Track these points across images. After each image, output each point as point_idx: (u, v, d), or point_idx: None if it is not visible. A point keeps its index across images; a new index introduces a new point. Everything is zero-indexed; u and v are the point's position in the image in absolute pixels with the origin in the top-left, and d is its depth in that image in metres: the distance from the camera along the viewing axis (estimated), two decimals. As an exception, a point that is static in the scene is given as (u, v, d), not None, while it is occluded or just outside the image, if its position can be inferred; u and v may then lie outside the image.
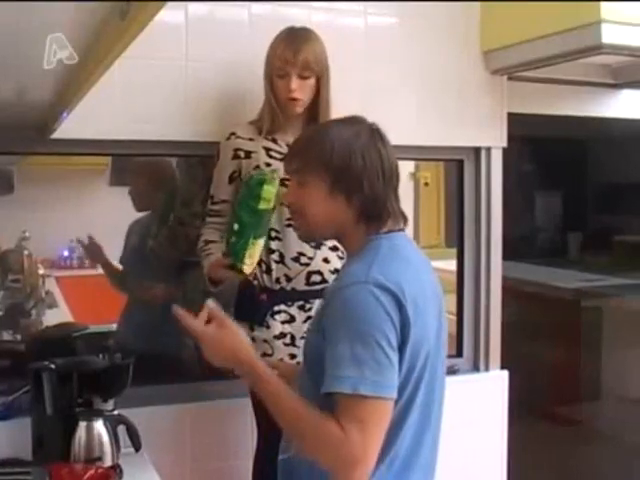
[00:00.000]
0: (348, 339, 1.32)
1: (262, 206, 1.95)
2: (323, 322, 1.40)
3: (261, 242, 2.00)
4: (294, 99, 2.07)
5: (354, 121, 1.53)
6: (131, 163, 2.93)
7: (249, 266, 1.98)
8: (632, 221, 4.06)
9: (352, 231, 1.49)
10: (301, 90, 2.07)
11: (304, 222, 1.53)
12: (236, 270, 1.98)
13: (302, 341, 2.07)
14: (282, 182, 1.97)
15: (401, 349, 1.36)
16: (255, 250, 1.98)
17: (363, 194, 1.46)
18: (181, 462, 2.27)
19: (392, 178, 1.50)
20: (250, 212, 1.95)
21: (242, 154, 2.10)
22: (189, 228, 2.55)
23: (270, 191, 1.94)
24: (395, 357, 1.35)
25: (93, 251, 2.95)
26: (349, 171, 1.45)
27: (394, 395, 1.35)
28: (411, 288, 1.38)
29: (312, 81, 2.09)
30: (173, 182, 2.78)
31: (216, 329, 1.43)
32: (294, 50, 2.05)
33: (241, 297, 2.13)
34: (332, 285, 1.46)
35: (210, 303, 1.46)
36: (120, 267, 2.84)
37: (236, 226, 1.97)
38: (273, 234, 2.07)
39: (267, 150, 2.10)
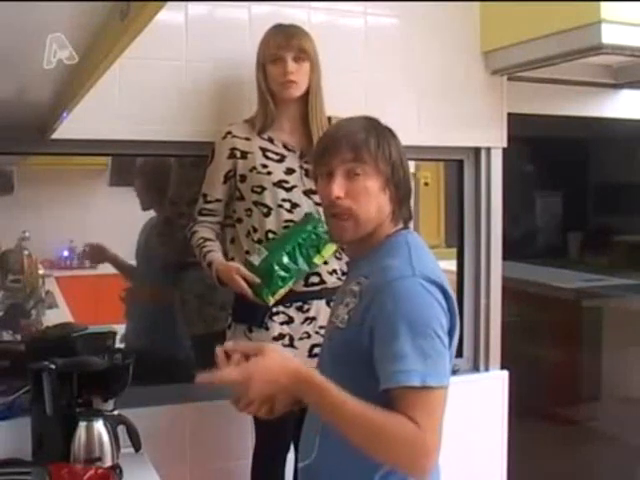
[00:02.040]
0: (408, 332, 1.31)
1: (317, 261, 2.02)
2: (370, 318, 1.36)
3: (291, 286, 2.03)
4: (290, 81, 2.06)
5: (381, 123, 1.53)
6: (135, 161, 2.94)
7: (274, 300, 2.01)
8: (632, 221, 4.05)
9: (380, 228, 1.47)
10: (297, 73, 2.07)
11: (353, 219, 1.44)
12: (258, 295, 1.99)
13: (301, 342, 2.07)
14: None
15: (449, 337, 1.39)
16: (286, 290, 2.02)
17: (406, 189, 1.48)
18: (181, 462, 2.27)
19: None
20: (306, 259, 2.00)
21: (238, 154, 2.09)
22: (176, 227, 2.56)
23: (329, 252, 1.99)
24: (447, 344, 1.37)
25: (96, 254, 2.96)
26: (402, 167, 1.47)
27: (449, 382, 1.36)
28: (445, 280, 1.41)
29: (307, 66, 2.08)
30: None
31: (259, 360, 1.30)
32: (287, 36, 2.07)
33: (240, 299, 2.12)
34: (373, 280, 1.40)
35: (228, 345, 1.34)
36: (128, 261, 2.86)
37: (286, 259, 1.99)
38: (271, 236, 2.06)
39: (263, 151, 2.10)
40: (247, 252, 2.08)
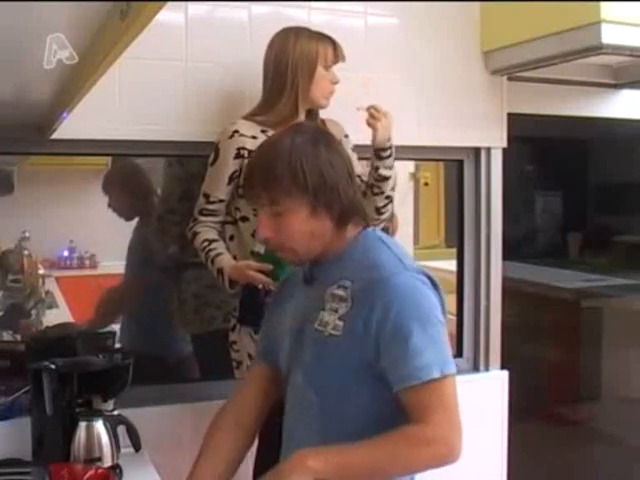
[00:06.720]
0: (419, 327, 1.33)
1: None
2: (374, 321, 1.35)
3: None
4: (333, 91, 2.12)
5: (302, 130, 1.50)
6: (103, 177, 2.93)
7: None
8: (632, 221, 4.06)
9: (334, 237, 1.47)
10: None
11: (292, 252, 1.47)
12: (278, 279, 1.91)
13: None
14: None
15: None
16: None
17: (341, 202, 1.44)
18: (181, 462, 2.26)
19: (353, 175, 1.51)
20: None
21: (246, 153, 2.04)
22: (167, 224, 2.55)
23: None
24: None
25: None
26: (325, 186, 1.42)
27: None
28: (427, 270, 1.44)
29: None
30: (147, 184, 2.80)
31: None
32: (339, 48, 2.11)
33: (245, 301, 2.10)
34: (363, 281, 1.39)
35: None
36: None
37: None
38: None
39: None
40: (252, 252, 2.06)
